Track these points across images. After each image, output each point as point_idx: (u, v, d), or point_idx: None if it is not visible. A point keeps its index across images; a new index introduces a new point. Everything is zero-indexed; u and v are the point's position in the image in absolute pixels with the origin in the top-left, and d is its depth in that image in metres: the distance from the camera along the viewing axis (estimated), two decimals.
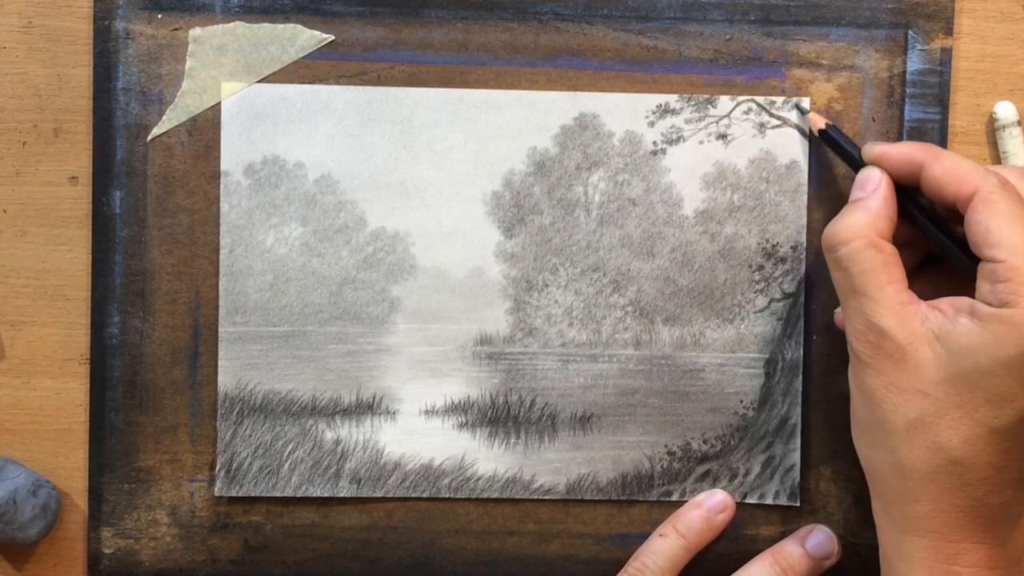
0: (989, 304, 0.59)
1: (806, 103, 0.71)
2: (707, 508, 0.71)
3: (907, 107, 0.72)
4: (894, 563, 0.63)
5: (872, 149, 0.66)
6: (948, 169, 0.63)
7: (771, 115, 0.71)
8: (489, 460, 0.72)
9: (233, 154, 0.70)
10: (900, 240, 0.65)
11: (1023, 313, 0.58)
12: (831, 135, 0.69)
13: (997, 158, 0.72)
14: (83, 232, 0.71)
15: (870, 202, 0.64)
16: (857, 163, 0.67)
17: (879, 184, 0.64)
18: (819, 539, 0.71)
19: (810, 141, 0.71)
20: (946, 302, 0.61)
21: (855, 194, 0.65)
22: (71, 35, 0.71)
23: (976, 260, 0.61)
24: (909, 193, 0.66)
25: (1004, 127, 0.71)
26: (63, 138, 0.71)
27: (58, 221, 0.71)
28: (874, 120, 0.72)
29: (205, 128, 0.71)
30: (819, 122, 0.70)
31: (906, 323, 0.61)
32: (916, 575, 0.62)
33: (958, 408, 0.60)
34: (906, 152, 0.64)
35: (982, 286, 0.60)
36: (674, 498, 0.72)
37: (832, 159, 0.71)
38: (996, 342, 0.59)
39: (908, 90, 0.71)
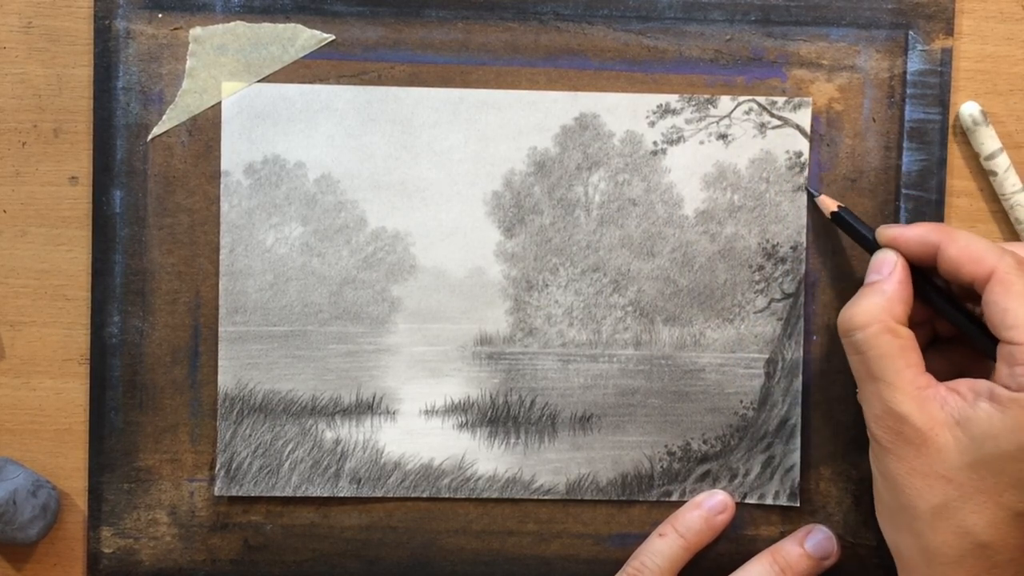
0: (1008, 388, 0.59)
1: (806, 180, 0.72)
2: (707, 508, 0.71)
3: (907, 107, 0.72)
4: None
5: (886, 232, 0.66)
6: (963, 250, 0.62)
7: (772, 115, 0.71)
8: (489, 460, 0.72)
9: (233, 154, 0.70)
10: (916, 320, 0.65)
11: None
12: (844, 218, 0.69)
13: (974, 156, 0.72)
14: (83, 232, 0.71)
15: (886, 286, 0.64)
16: (871, 245, 0.67)
17: (894, 267, 0.64)
18: (818, 539, 0.71)
19: (811, 141, 0.71)
20: (965, 385, 0.61)
21: (870, 277, 0.65)
22: (71, 35, 0.71)
23: (995, 340, 0.61)
24: (924, 274, 0.66)
25: (976, 126, 0.71)
26: (63, 138, 0.71)
27: (58, 221, 0.71)
28: (874, 120, 0.71)
29: (205, 128, 0.70)
30: (831, 205, 0.70)
31: (925, 408, 0.61)
32: None
33: (982, 493, 0.60)
34: (920, 234, 0.64)
35: (1001, 369, 0.60)
36: (674, 498, 0.72)
37: (834, 160, 0.71)
38: (1017, 427, 0.59)
39: (908, 90, 0.71)
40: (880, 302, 0.63)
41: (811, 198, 0.71)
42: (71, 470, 0.72)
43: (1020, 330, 0.59)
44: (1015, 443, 0.58)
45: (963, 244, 0.63)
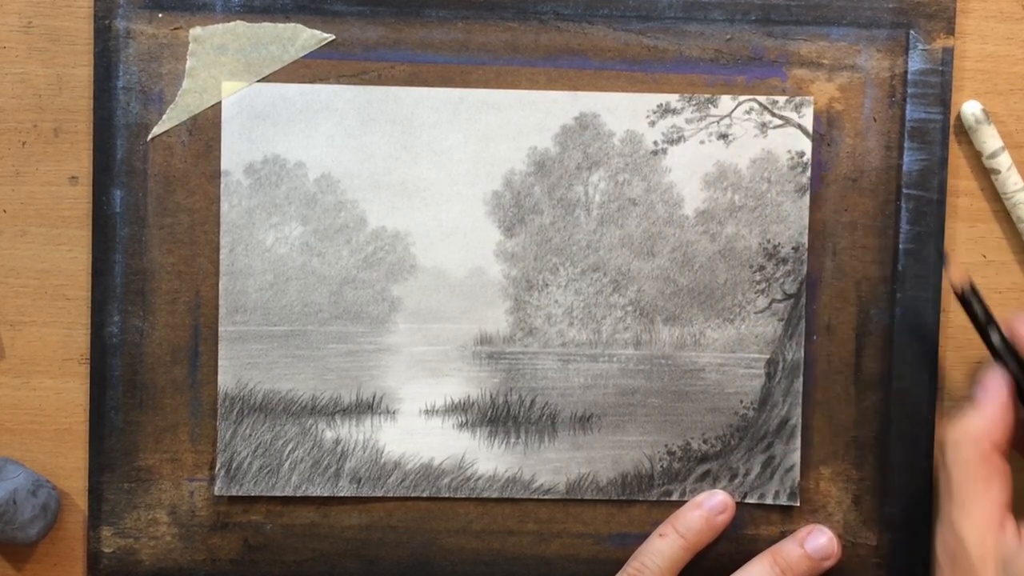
0: None
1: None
2: (707, 508, 0.71)
3: (908, 107, 0.71)
4: None
5: (1018, 327, 0.65)
6: None
7: (773, 115, 0.71)
8: (489, 460, 0.72)
9: (233, 153, 0.70)
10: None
11: None
12: (970, 301, 0.68)
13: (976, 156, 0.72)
14: (83, 232, 0.71)
15: (987, 408, 0.63)
16: (988, 339, 0.67)
17: (999, 388, 0.64)
18: (818, 540, 0.71)
19: (813, 141, 0.71)
20: None
21: (975, 392, 0.65)
22: (71, 35, 0.71)
23: None
24: None
25: (978, 125, 0.71)
26: (63, 138, 0.71)
27: (58, 221, 0.71)
28: (875, 120, 0.71)
29: (205, 127, 0.70)
30: (958, 278, 0.69)
31: (985, 541, 0.61)
32: None
33: None
34: None
35: None
36: (674, 498, 0.72)
37: (834, 160, 0.71)
38: None
39: (909, 90, 0.71)
40: (978, 422, 0.63)
41: (943, 267, 0.71)
42: (71, 470, 0.72)
43: None
44: None
45: None
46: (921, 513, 0.72)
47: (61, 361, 0.72)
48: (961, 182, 0.73)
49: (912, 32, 0.71)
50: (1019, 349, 0.65)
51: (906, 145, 0.71)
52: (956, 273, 0.69)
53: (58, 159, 0.71)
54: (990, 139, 0.71)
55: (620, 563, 0.71)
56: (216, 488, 0.71)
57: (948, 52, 0.71)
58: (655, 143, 0.71)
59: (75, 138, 0.71)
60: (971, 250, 0.73)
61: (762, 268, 0.71)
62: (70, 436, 0.72)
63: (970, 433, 0.63)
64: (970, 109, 0.71)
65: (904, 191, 0.71)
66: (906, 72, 0.71)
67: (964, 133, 0.72)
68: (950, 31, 0.71)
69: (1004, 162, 0.71)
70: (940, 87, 0.71)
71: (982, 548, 0.61)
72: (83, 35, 0.70)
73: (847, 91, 0.71)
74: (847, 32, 0.71)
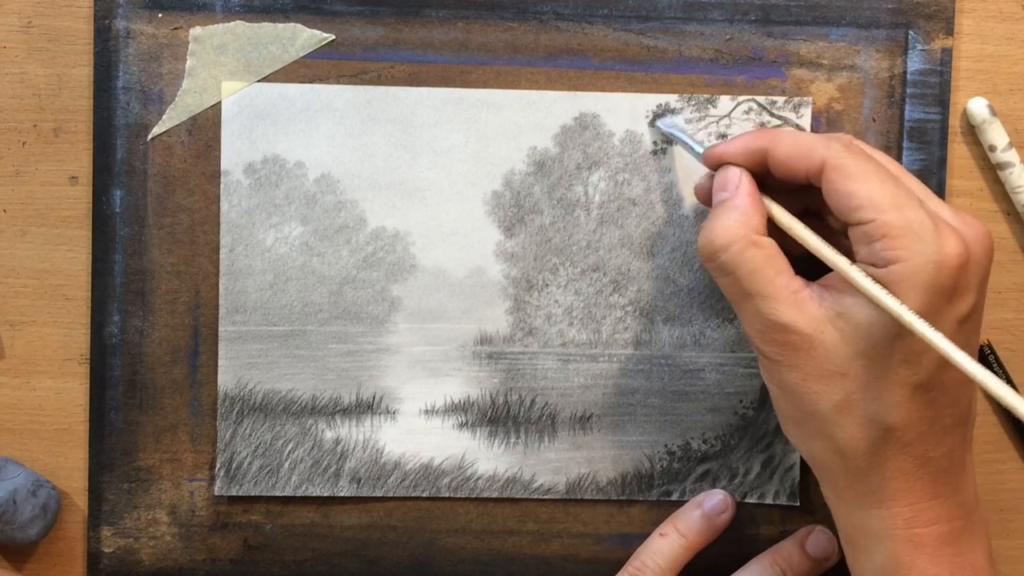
0: (875, 266, 0.58)
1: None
2: (708, 508, 0.71)
3: (907, 107, 0.71)
4: (856, 540, 0.63)
5: (712, 152, 0.65)
6: (791, 148, 0.61)
7: (772, 115, 0.71)
8: (489, 460, 0.72)
9: (233, 153, 0.70)
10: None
11: (907, 266, 0.57)
12: (675, 134, 0.69)
13: (985, 156, 0.72)
14: (83, 232, 0.71)
15: (737, 200, 0.62)
16: (696, 155, 0.67)
17: (740, 180, 0.63)
18: (819, 540, 0.71)
19: None
20: (835, 277, 0.60)
21: (718, 196, 0.63)
22: (71, 35, 0.70)
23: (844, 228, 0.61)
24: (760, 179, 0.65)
25: (985, 121, 0.71)
26: (63, 138, 0.71)
27: (58, 221, 0.71)
28: (874, 120, 0.71)
29: (205, 127, 0.70)
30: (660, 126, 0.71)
31: (805, 311, 0.60)
32: (880, 547, 0.62)
33: (877, 378, 0.59)
34: (745, 142, 0.63)
35: (860, 251, 0.59)
36: (674, 498, 0.72)
37: None
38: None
39: (908, 90, 0.71)
40: (737, 218, 0.61)
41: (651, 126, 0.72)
42: (71, 470, 0.72)
43: (866, 209, 0.58)
44: (893, 319, 0.57)
45: (789, 142, 0.62)
46: None
47: (61, 361, 0.72)
48: (961, 182, 0.73)
49: (911, 32, 0.71)
50: (724, 161, 0.64)
51: (905, 145, 0.71)
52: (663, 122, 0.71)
53: (58, 159, 0.71)
54: (999, 133, 0.71)
55: (620, 563, 0.71)
56: (216, 488, 0.71)
57: (947, 52, 0.71)
58: (655, 143, 0.71)
59: (75, 138, 0.71)
60: None
61: None
62: (70, 436, 0.72)
63: (732, 230, 0.61)
64: (976, 106, 0.71)
65: None
66: (905, 72, 0.71)
67: (963, 133, 0.72)
68: (949, 31, 0.71)
69: (1014, 156, 0.71)
70: (939, 87, 0.71)
71: (807, 317, 0.60)
72: (83, 35, 0.70)
73: (846, 91, 0.71)
74: (846, 32, 0.71)
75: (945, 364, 0.59)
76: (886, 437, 0.60)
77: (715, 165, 0.65)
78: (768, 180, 0.64)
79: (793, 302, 0.60)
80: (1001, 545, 0.74)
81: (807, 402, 0.61)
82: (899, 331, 0.58)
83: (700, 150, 0.66)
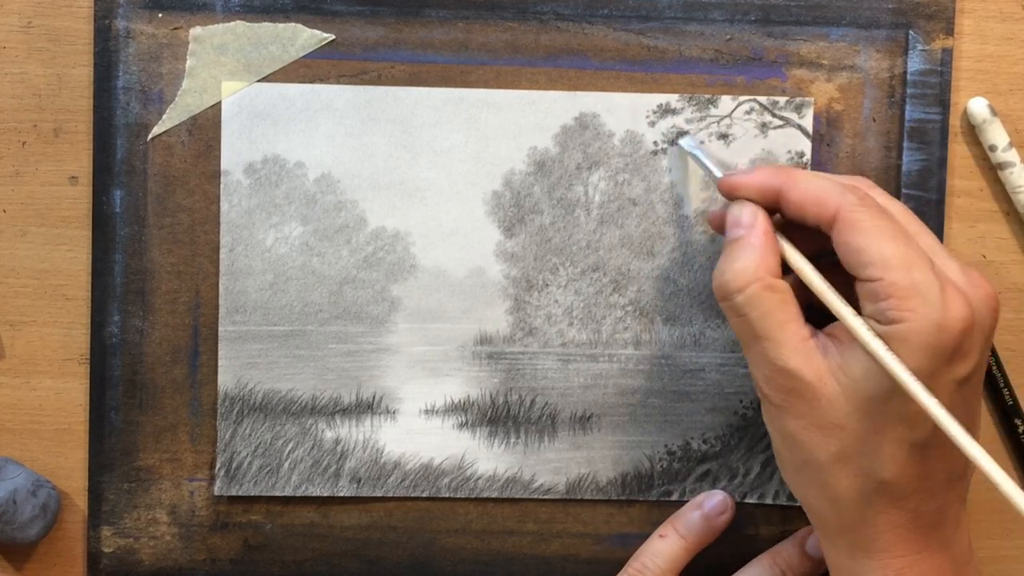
0: (879, 322, 0.58)
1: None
2: (708, 509, 0.71)
3: (908, 107, 0.71)
4: None
5: (728, 181, 0.64)
6: (806, 192, 0.61)
7: (773, 115, 0.71)
8: (489, 460, 0.72)
9: (233, 153, 0.70)
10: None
11: (911, 327, 0.57)
12: (695, 154, 0.69)
13: (985, 156, 0.72)
14: (83, 232, 0.71)
15: (753, 239, 0.62)
16: (713, 177, 0.66)
17: (755, 218, 0.62)
18: (818, 541, 0.70)
19: (813, 141, 0.71)
20: (841, 327, 0.60)
21: (733, 232, 0.63)
22: (71, 35, 0.70)
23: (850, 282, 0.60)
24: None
25: (985, 121, 0.71)
26: (63, 138, 0.71)
27: (58, 221, 0.71)
28: (874, 120, 0.71)
29: (205, 127, 0.70)
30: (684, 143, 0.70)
31: (811, 360, 0.60)
32: None
33: (874, 433, 0.59)
34: (761, 180, 0.63)
35: (866, 307, 0.59)
36: (674, 498, 0.72)
37: (834, 160, 0.71)
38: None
39: (909, 90, 0.71)
40: (753, 259, 0.61)
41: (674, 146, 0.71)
42: (71, 470, 0.72)
43: (875, 266, 0.58)
44: (891, 378, 0.57)
45: (804, 187, 0.61)
46: None
47: (61, 361, 0.72)
48: (961, 182, 0.73)
49: (911, 32, 0.71)
50: (738, 195, 0.63)
51: (905, 145, 0.71)
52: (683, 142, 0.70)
53: (58, 159, 0.71)
54: (999, 134, 0.71)
55: (620, 563, 0.71)
56: (216, 488, 0.71)
57: (947, 52, 0.71)
58: (655, 143, 0.71)
59: (75, 138, 0.71)
60: (971, 250, 0.73)
61: None
62: (70, 436, 0.72)
63: (749, 271, 0.60)
64: (977, 106, 0.71)
65: (903, 191, 0.71)
66: (905, 72, 0.71)
67: (964, 133, 0.72)
68: (949, 31, 0.71)
69: (1015, 156, 0.71)
70: (939, 87, 0.71)
71: (812, 367, 0.59)
72: (83, 35, 0.70)
73: (846, 91, 0.71)
74: (846, 32, 0.71)
75: None
76: (880, 490, 0.60)
77: (730, 195, 0.64)
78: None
79: (801, 349, 0.60)
80: (1000, 545, 0.74)
81: (805, 450, 0.61)
82: (897, 389, 0.58)
83: (719, 175, 0.65)
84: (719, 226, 0.66)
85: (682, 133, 0.71)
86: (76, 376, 0.72)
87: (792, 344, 0.60)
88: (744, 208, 0.63)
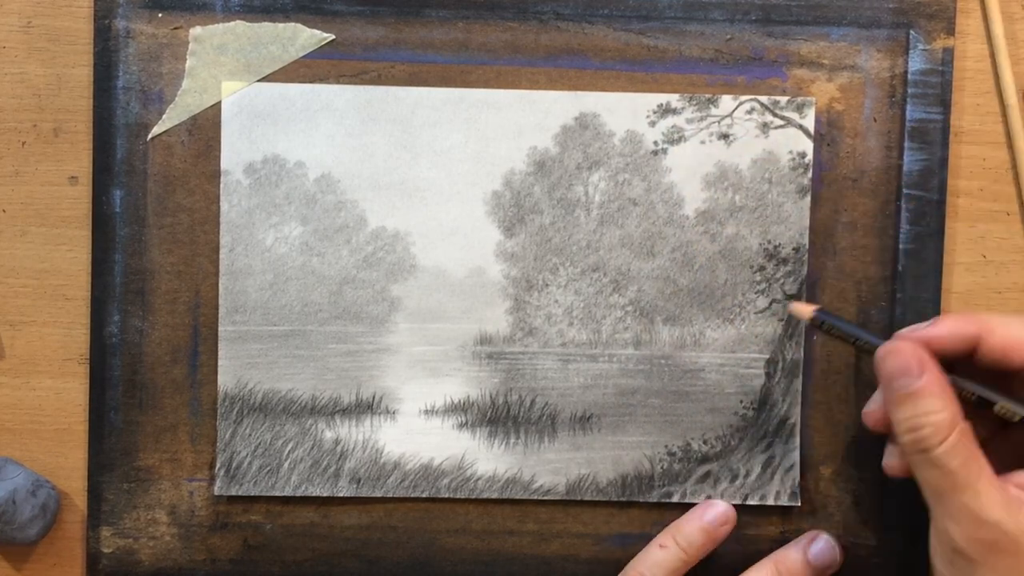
0: None
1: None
2: (708, 521, 0.70)
3: (908, 107, 0.71)
4: None
5: (912, 336, 0.62)
6: (1006, 337, 0.59)
7: (775, 115, 0.71)
8: (489, 460, 0.72)
9: (233, 153, 0.70)
10: None
11: None
12: (828, 322, 0.67)
13: (985, 156, 0.72)
14: (83, 232, 0.71)
15: (935, 387, 0.59)
16: (870, 346, 0.65)
17: (926, 364, 0.60)
18: (820, 547, 0.70)
19: (814, 141, 0.71)
20: None
21: (904, 383, 0.60)
22: (71, 35, 0.70)
23: None
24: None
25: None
26: (63, 138, 0.71)
27: (58, 221, 0.71)
28: (875, 120, 0.71)
29: (205, 127, 0.70)
30: (806, 312, 0.67)
31: (1012, 511, 0.57)
32: None
33: None
34: (953, 329, 0.61)
35: None
36: (675, 499, 0.72)
37: (835, 160, 0.71)
38: None
39: (910, 90, 0.71)
40: (943, 406, 0.58)
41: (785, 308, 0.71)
42: (71, 470, 0.72)
43: None
44: None
45: (1003, 331, 0.59)
46: (921, 514, 0.69)
47: (61, 361, 0.72)
48: (961, 182, 0.72)
49: (912, 32, 0.71)
50: (928, 347, 0.61)
51: (906, 145, 0.71)
52: (800, 309, 0.67)
53: (58, 159, 0.71)
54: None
55: (620, 564, 0.71)
56: (216, 488, 0.71)
57: (948, 52, 0.71)
58: (655, 143, 0.71)
59: (75, 138, 0.71)
60: (971, 250, 0.73)
61: (762, 268, 0.71)
62: (70, 436, 0.72)
63: (946, 420, 0.58)
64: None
65: (904, 191, 0.71)
66: (906, 72, 0.71)
67: (964, 133, 0.72)
68: (950, 31, 0.71)
69: None
70: (940, 87, 0.71)
71: (1015, 520, 0.57)
72: (83, 35, 0.70)
73: (847, 91, 0.71)
74: (847, 32, 0.71)
75: None
76: None
77: (914, 350, 0.61)
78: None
79: (1001, 501, 0.58)
80: None
81: None
82: None
83: (877, 342, 0.64)
84: (878, 422, 0.64)
85: (790, 297, 0.70)
86: (76, 376, 0.72)
87: (993, 495, 0.58)
88: (907, 353, 0.60)
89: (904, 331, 0.63)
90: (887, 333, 0.69)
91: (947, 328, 0.62)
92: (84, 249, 0.71)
